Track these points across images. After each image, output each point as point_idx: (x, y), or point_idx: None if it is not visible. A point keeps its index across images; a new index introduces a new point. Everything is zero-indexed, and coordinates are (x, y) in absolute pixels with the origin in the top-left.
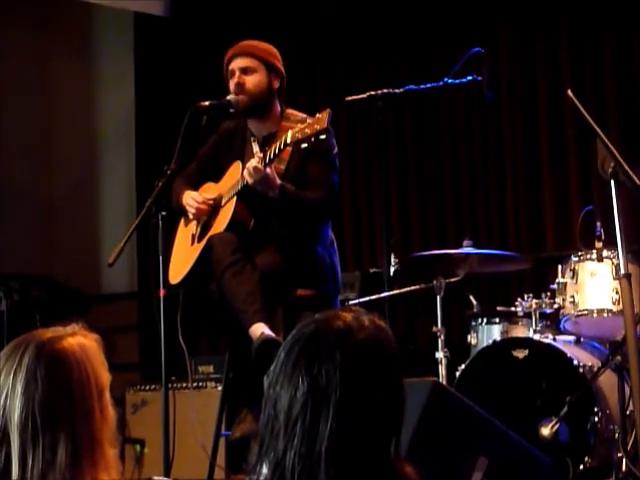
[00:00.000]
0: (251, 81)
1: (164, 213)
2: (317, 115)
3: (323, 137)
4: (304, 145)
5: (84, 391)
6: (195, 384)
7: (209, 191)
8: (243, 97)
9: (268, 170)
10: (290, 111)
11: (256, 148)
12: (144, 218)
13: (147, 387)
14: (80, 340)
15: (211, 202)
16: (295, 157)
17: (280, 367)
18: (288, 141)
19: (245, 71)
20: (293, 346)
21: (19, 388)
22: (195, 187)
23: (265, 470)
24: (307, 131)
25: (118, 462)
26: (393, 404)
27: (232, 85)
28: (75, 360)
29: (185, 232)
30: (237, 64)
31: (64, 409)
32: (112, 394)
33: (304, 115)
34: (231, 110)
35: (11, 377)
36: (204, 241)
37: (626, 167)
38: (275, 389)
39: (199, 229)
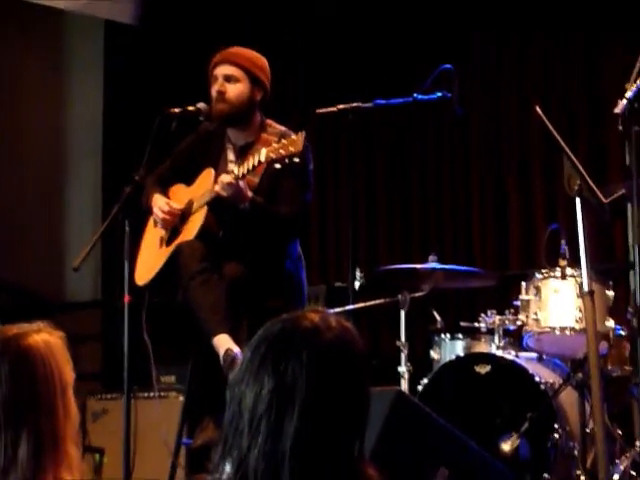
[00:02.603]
0: (233, 90)
1: (131, 220)
2: (292, 136)
3: (297, 160)
4: (277, 165)
5: (48, 388)
6: (157, 394)
7: (179, 194)
8: (222, 105)
9: (240, 183)
10: (270, 122)
11: (232, 156)
12: (111, 224)
13: (108, 396)
14: (45, 337)
15: (178, 212)
16: (269, 171)
17: (246, 365)
18: (262, 159)
19: (228, 79)
20: (259, 345)
21: None
22: (167, 186)
23: (228, 469)
24: (281, 152)
25: (81, 462)
26: (358, 405)
27: (214, 91)
28: (40, 357)
29: (154, 233)
30: (222, 71)
31: (27, 406)
32: (75, 402)
33: (283, 128)
34: (200, 118)
35: None
36: (172, 246)
37: (592, 184)
38: (240, 387)
39: (168, 233)
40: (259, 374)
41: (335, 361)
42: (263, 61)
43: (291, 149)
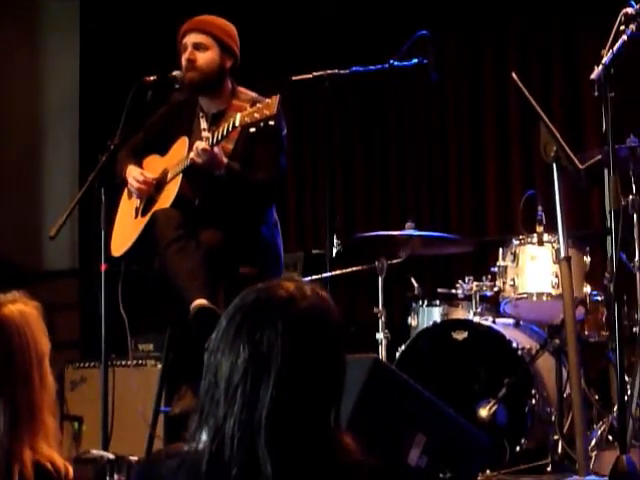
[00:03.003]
0: (203, 58)
1: (107, 188)
2: (267, 100)
3: (272, 123)
4: (252, 129)
5: (24, 358)
6: (135, 362)
7: (154, 164)
8: (192, 74)
9: (215, 149)
10: (241, 89)
11: (204, 125)
12: (87, 193)
13: (86, 364)
14: (20, 307)
15: (152, 181)
16: (244, 137)
17: (221, 335)
18: (236, 124)
19: (197, 47)
20: (235, 314)
21: None
22: (140, 157)
23: (205, 437)
24: (256, 116)
25: (58, 431)
26: (334, 373)
27: (183, 60)
28: (15, 327)
29: (128, 204)
30: (190, 39)
31: (3, 376)
32: (51, 372)
33: (254, 94)
34: (176, 86)
35: None
36: (148, 216)
37: (568, 151)
38: (216, 357)
39: (143, 203)
40: (235, 343)
41: (310, 330)
42: (232, 28)
43: (266, 112)
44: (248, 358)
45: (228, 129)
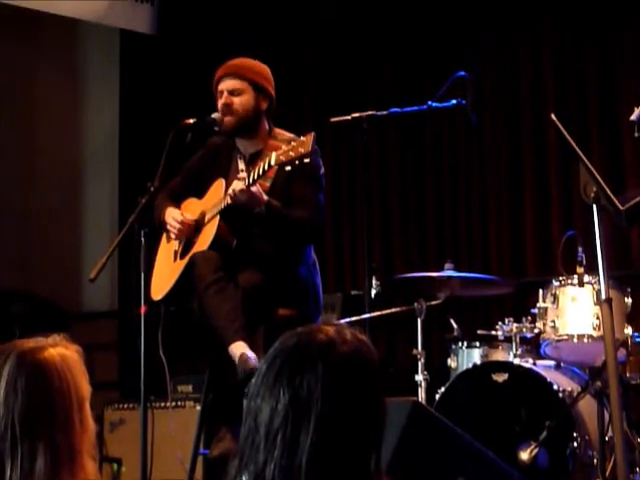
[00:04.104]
0: (239, 102)
1: (147, 230)
2: (302, 138)
3: (307, 161)
4: (288, 168)
5: (64, 401)
6: (174, 403)
7: (191, 207)
8: (229, 118)
9: (254, 188)
10: (278, 130)
11: (242, 166)
12: (127, 235)
13: (125, 406)
14: (61, 351)
15: (192, 222)
16: (281, 176)
17: (262, 379)
18: (272, 163)
19: (233, 92)
20: (275, 358)
21: None
22: (178, 201)
23: None
24: (291, 154)
25: (97, 474)
26: (374, 418)
27: (220, 105)
28: (56, 370)
29: (167, 248)
30: (225, 85)
31: (44, 419)
32: (91, 415)
33: (291, 135)
34: (215, 128)
35: None
36: (187, 258)
37: (608, 192)
38: (256, 401)
39: (182, 246)
40: (275, 388)
41: (350, 374)
42: (265, 69)
43: (300, 150)
44: (288, 403)
45: (264, 168)
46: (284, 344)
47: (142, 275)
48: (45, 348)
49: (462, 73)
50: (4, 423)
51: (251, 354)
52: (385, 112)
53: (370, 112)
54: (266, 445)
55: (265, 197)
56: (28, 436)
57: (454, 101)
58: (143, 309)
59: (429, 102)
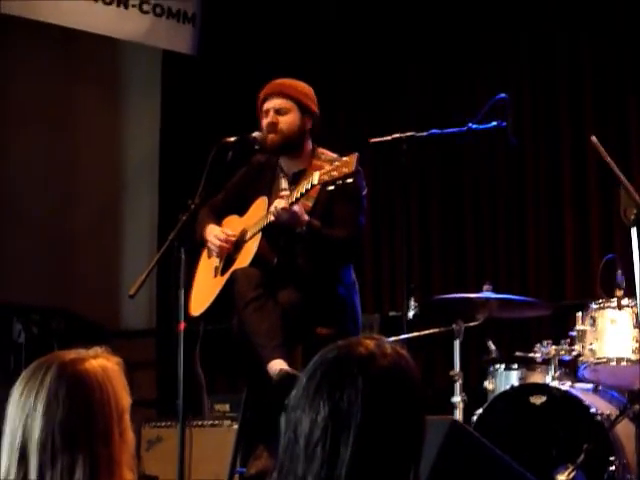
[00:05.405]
0: (284, 121)
1: (186, 247)
2: (345, 158)
3: (350, 181)
4: (330, 187)
5: (104, 413)
6: (211, 422)
7: (233, 224)
8: (274, 136)
9: (296, 207)
10: (321, 150)
11: (285, 184)
12: (166, 252)
13: (163, 424)
14: (102, 362)
15: (233, 239)
16: (323, 195)
17: (302, 391)
18: (315, 182)
19: (279, 111)
20: (315, 371)
21: (40, 408)
22: (220, 218)
23: None
24: (334, 174)
25: None
26: (413, 431)
27: (265, 123)
28: (97, 382)
29: (208, 264)
30: (272, 104)
31: (84, 430)
32: (131, 427)
33: (335, 155)
34: (256, 147)
35: (32, 397)
36: (227, 274)
37: None
38: (296, 413)
39: (222, 262)
40: (315, 400)
41: (390, 388)
42: (310, 89)
43: (344, 170)
44: (328, 415)
45: (307, 187)
46: (324, 357)
47: (182, 292)
48: (86, 359)
49: (502, 95)
50: (44, 434)
51: (288, 368)
52: (425, 133)
53: (410, 133)
54: (305, 456)
55: (306, 217)
56: (68, 447)
57: (494, 123)
58: (182, 326)
59: (469, 124)
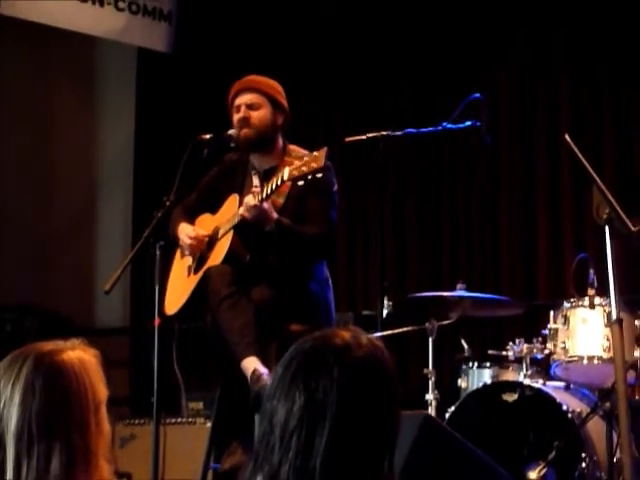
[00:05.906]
0: (256, 116)
1: (162, 243)
2: (314, 153)
3: (319, 175)
4: (300, 182)
5: (81, 404)
6: (185, 420)
7: (205, 223)
8: (247, 131)
9: (265, 205)
10: (292, 147)
11: (256, 181)
12: (141, 248)
13: (136, 421)
14: (79, 354)
15: (205, 238)
16: (295, 191)
17: (277, 382)
18: (285, 178)
19: (251, 107)
20: (291, 361)
21: (17, 398)
22: (193, 217)
23: None
24: (304, 169)
25: (112, 476)
26: (388, 422)
27: (237, 119)
28: (74, 373)
29: (181, 263)
30: (243, 99)
31: (60, 420)
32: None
33: (306, 152)
34: (232, 144)
35: (9, 387)
36: (200, 273)
37: (621, 213)
38: (272, 403)
39: (195, 261)
40: (290, 390)
41: (366, 378)
42: (279, 86)
43: (313, 165)
44: (304, 405)
45: (277, 184)
46: (300, 347)
47: (157, 288)
48: (63, 351)
49: (477, 95)
50: (21, 423)
51: (263, 370)
52: (400, 132)
53: (385, 132)
54: (281, 446)
55: (275, 215)
56: (44, 436)
57: (469, 122)
58: (157, 321)
59: (444, 123)
